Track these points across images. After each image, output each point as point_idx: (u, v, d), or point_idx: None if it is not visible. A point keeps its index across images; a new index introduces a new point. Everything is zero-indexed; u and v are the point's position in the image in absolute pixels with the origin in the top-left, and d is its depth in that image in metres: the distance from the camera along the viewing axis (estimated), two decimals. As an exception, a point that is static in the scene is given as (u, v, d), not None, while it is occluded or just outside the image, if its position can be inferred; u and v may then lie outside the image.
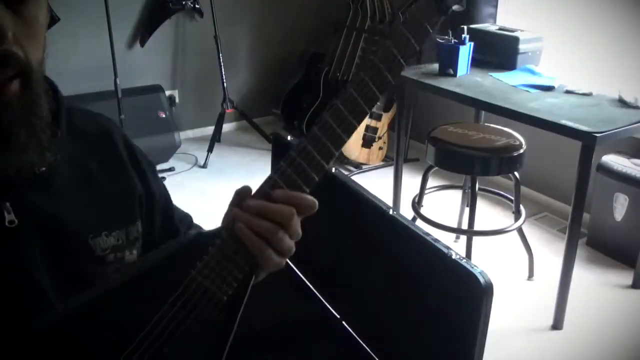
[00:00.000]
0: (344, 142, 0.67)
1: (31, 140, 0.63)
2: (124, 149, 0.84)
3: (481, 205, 2.94)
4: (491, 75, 2.60)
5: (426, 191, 2.60)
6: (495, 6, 3.25)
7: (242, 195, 0.68)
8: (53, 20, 2.81)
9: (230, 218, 0.66)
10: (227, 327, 0.67)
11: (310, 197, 0.66)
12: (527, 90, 2.40)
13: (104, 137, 0.83)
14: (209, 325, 0.65)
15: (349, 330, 1.44)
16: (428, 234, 1.16)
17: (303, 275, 1.62)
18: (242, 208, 0.65)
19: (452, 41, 2.59)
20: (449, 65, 2.58)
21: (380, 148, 3.78)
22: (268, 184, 0.66)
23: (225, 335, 0.68)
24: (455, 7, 0.74)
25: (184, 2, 3.67)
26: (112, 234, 0.76)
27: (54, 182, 0.71)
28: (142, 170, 0.86)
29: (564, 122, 2.02)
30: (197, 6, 3.73)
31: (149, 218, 0.86)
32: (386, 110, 3.70)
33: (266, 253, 0.65)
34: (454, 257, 1.08)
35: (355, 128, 0.67)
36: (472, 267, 1.04)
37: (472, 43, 2.60)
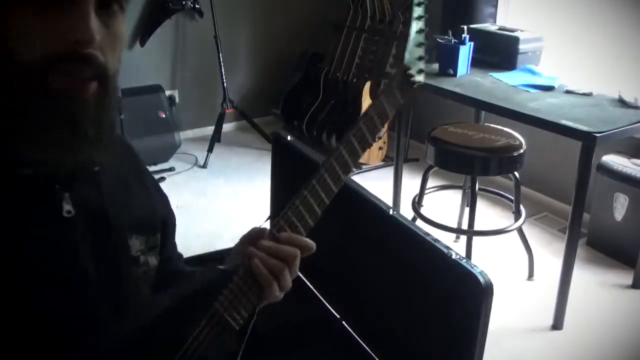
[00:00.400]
0: (334, 192, 0.84)
1: (99, 138, 0.68)
2: (145, 169, 0.93)
3: (481, 205, 2.93)
4: (491, 75, 2.60)
5: (426, 191, 2.60)
6: (495, 6, 3.25)
7: (255, 235, 0.81)
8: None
9: (241, 253, 0.79)
10: (234, 353, 0.77)
11: (309, 240, 0.80)
12: (527, 90, 2.40)
13: (129, 152, 0.90)
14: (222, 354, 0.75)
15: (349, 330, 1.44)
16: (428, 234, 1.16)
17: (303, 275, 1.62)
18: (257, 248, 0.77)
19: (452, 41, 2.59)
20: (449, 65, 2.58)
21: (380, 148, 3.78)
22: (275, 227, 0.79)
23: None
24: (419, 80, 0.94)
25: (184, 2, 3.68)
26: (140, 237, 0.83)
27: (101, 181, 0.77)
28: (163, 195, 0.94)
29: (564, 122, 2.02)
30: (197, 6, 3.73)
31: (165, 239, 0.91)
32: (386, 110, 3.70)
33: (273, 287, 0.76)
34: (454, 257, 1.08)
35: (342, 183, 0.85)
36: (472, 267, 1.04)
37: (472, 43, 2.60)
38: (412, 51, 0.93)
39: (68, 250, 0.71)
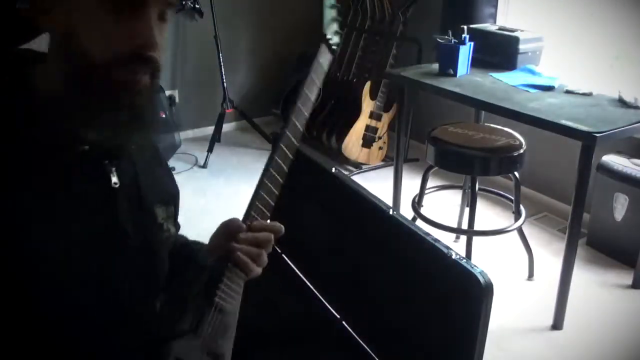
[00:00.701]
0: (286, 171, 0.98)
1: (146, 122, 0.80)
2: (159, 150, 1.04)
3: (481, 205, 2.93)
4: (491, 75, 2.60)
5: (426, 191, 2.60)
6: (495, 6, 3.25)
7: (233, 227, 0.93)
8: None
9: (222, 247, 0.92)
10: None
11: (277, 224, 0.95)
12: (527, 90, 2.40)
13: None
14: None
15: (349, 330, 1.44)
16: (428, 234, 1.16)
17: (303, 275, 1.62)
18: (238, 241, 0.90)
19: (452, 41, 2.59)
20: (449, 65, 2.58)
21: (380, 148, 3.78)
22: (249, 219, 0.93)
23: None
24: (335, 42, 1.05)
25: (184, 2, 3.67)
26: (161, 207, 0.95)
27: (134, 157, 0.89)
28: (171, 173, 1.06)
29: (564, 122, 2.02)
30: (197, 6, 3.73)
31: (176, 211, 1.03)
32: (386, 110, 3.70)
33: (255, 270, 0.92)
34: (454, 257, 1.08)
35: (291, 159, 0.99)
36: (472, 267, 1.04)
37: (472, 43, 2.60)
38: (327, 14, 1.03)
39: (113, 214, 0.83)
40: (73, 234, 0.77)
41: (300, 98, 0.99)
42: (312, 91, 1.01)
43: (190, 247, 1.08)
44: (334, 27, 1.04)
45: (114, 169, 0.83)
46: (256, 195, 0.94)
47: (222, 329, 0.87)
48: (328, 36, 1.02)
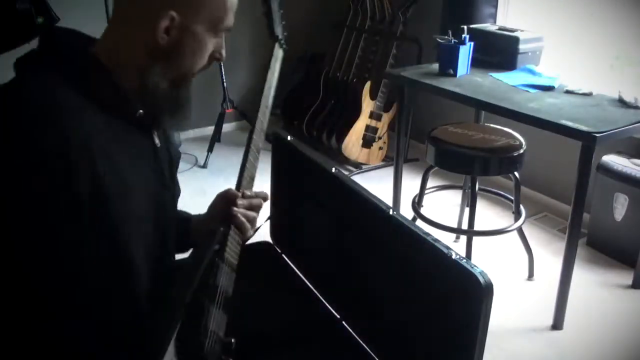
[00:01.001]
0: (261, 148, 1.22)
1: (186, 103, 1.03)
2: None
3: (481, 205, 2.94)
4: (491, 75, 2.60)
5: (426, 191, 2.60)
6: (495, 6, 3.25)
7: (230, 195, 1.13)
8: (52, 19, 2.81)
9: (222, 213, 1.12)
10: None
11: (264, 192, 1.18)
12: (527, 90, 2.40)
13: None
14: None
15: (349, 330, 1.44)
16: (428, 234, 1.16)
17: (303, 275, 1.62)
18: (237, 206, 1.10)
19: (452, 41, 2.59)
20: (449, 65, 2.58)
21: (380, 148, 3.78)
22: (242, 188, 1.13)
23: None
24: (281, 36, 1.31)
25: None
26: (172, 169, 1.15)
27: (166, 127, 1.10)
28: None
29: (564, 122, 2.02)
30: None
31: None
32: (386, 110, 3.70)
33: (250, 231, 1.12)
34: (454, 257, 1.08)
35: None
36: (472, 267, 1.04)
37: (472, 43, 2.60)
38: (276, 17, 1.27)
39: (159, 166, 1.05)
40: (141, 177, 0.97)
41: (265, 87, 1.30)
42: (273, 80, 1.30)
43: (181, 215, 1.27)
44: (280, 27, 1.29)
45: (155, 132, 1.04)
46: (243, 169, 1.15)
47: (230, 278, 1.05)
48: (280, 36, 1.28)
